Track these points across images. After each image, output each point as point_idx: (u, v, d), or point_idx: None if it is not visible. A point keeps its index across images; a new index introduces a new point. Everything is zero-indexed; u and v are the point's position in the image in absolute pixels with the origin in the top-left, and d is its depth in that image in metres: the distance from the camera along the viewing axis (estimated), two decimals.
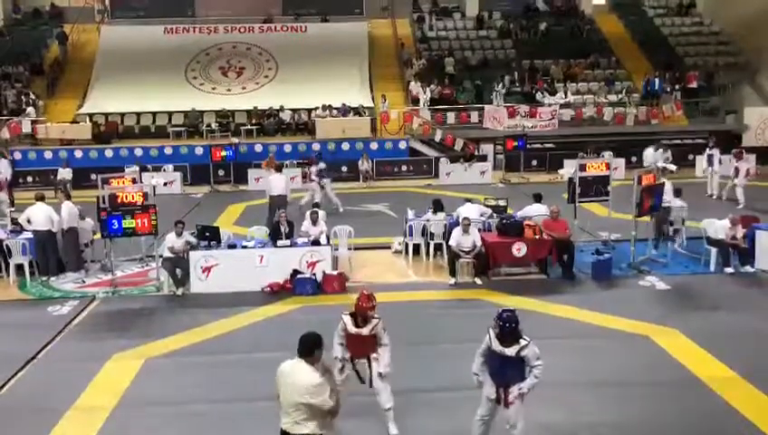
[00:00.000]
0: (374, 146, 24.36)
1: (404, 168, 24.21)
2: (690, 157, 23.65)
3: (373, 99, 27.40)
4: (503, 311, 6.60)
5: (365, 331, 7.11)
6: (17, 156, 23.83)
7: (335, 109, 25.69)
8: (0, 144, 23.87)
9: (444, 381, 8.48)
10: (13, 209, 17.20)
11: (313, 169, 18.38)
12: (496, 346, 6.50)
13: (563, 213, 13.20)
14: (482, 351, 6.68)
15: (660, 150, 21.75)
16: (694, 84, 27.50)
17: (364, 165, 23.20)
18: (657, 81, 27.13)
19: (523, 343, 6.44)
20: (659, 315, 10.53)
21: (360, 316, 7.12)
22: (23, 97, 26.54)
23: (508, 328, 6.44)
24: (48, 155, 23.94)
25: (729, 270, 12.52)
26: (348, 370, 7.25)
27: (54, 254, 13.08)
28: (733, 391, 8.12)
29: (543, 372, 6.49)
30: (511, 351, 6.44)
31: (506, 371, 6.50)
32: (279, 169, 18.12)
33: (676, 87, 27.31)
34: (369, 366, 7.21)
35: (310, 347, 5.46)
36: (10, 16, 32.06)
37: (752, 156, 21.10)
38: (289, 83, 27.95)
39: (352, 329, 7.12)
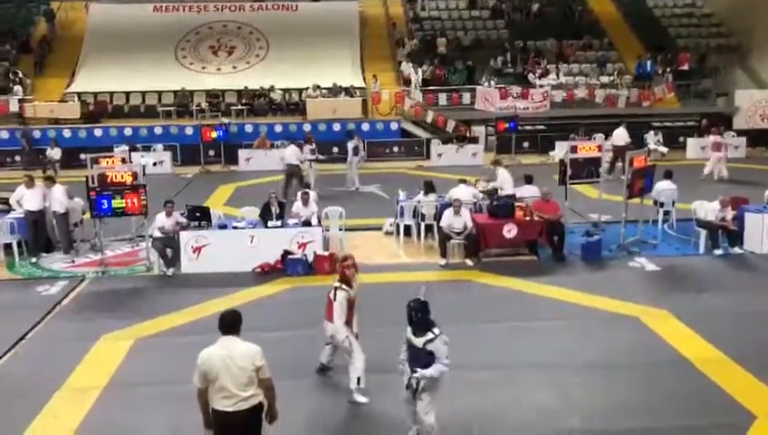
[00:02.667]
0: (365, 127, 24.24)
1: (395, 149, 24.13)
2: (681, 139, 23.70)
3: (364, 79, 27.24)
4: (412, 300, 6.43)
5: (353, 293, 7.55)
6: (4, 135, 23.61)
7: (325, 89, 25.52)
8: None
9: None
10: None
11: (349, 145, 18.86)
12: (409, 334, 6.41)
13: (554, 194, 13.21)
14: (404, 338, 6.53)
15: (651, 132, 21.83)
16: (686, 66, 27.48)
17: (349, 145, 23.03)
18: (648, 63, 27.11)
19: (430, 335, 6.28)
20: (649, 297, 10.59)
21: (349, 282, 7.53)
22: (9, 75, 26.22)
23: (415, 317, 6.34)
24: (36, 134, 23.69)
25: (718, 252, 12.59)
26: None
27: (44, 233, 13.00)
28: (720, 371, 8.19)
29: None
30: (419, 341, 6.32)
31: (416, 361, 6.34)
32: (294, 143, 18.45)
33: (668, 69, 27.29)
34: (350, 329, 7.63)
35: (234, 323, 5.60)
36: None
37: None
38: (280, 63, 27.74)
39: (352, 295, 7.50)
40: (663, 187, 14.13)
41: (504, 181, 14.27)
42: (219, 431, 5.57)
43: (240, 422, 5.49)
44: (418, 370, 6.28)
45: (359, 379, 7.49)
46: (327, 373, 8.14)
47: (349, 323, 7.60)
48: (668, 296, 10.64)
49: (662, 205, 14.16)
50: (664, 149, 21.20)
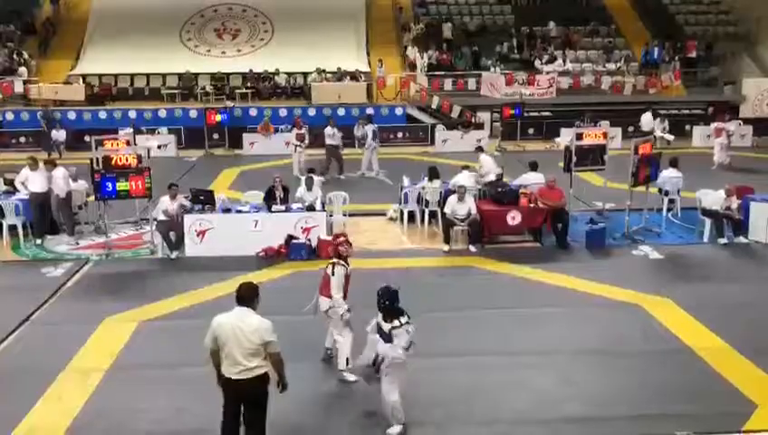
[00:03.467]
0: (370, 112, 24.13)
1: (400, 134, 24.02)
2: (687, 127, 23.58)
3: (369, 64, 27.12)
4: (381, 287, 6.61)
5: (349, 269, 7.78)
6: (9, 116, 23.61)
7: (330, 73, 25.40)
8: None
9: (433, 348, 8.51)
10: None
11: (368, 129, 18.79)
12: (380, 318, 6.59)
13: (559, 182, 13.17)
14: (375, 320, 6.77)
15: (658, 120, 21.72)
16: (693, 54, 27.30)
17: (360, 131, 23.00)
18: (656, 50, 26.93)
19: (396, 323, 6.42)
20: (652, 285, 10.58)
21: (345, 259, 7.73)
22: (14, 57, 26.17)
23: (382, 303, 6.52)
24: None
25: (723, 241, 12.56)
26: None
27: (48, 215, 13.03)
28: (722, 359, 8.20)
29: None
30: (386, 326, 6.50)
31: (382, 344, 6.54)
32: (331, 123, 19.04)
33: (676, 57, 27.10)
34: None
35: (250, 296, 5.83)
36: None
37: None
38: (284, 47, 27.61)
39: (348, 271, 7.73)
40: (668, 175, 14.08)
41: (487, 167, 14.22)
42: (226, 395, 5.88)
43: (244, 389, 5.75)
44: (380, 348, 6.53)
45: (347, 360, 7.60)
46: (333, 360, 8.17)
47: (344, 298, 7.74)
48: (671, 285, 10.63)
49: (667, 193, 14.11)
50: (670, 137, 21.12)
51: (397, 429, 6.74)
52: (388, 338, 6.50)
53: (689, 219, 13.67)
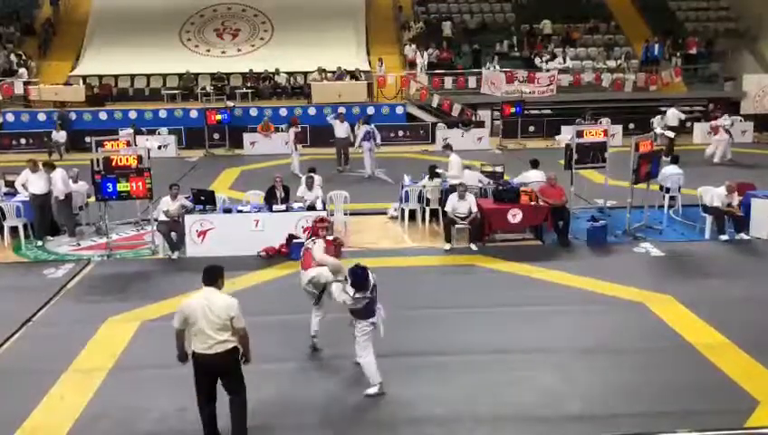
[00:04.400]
0: (371, 111, 24.12)
1: (401, 133, 24.04)
2: (688, 124, 23.55)
3: (370, 63, 27.12)
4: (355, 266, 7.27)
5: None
6: (9, 118, 23.63)
7: (330, 72, 25.41)
8: None
9: (435, 346, 8.55)
10: None
11: (361, 131, 18.74)
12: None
13: (560, 179, 13.17)
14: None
15: (659, 117, 21.72)
16: (693, 51, 27.27)
17: (360, 130, 22.99)
18: (656, 46, 26.89)
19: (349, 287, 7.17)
20: (653, 282, 10.58)
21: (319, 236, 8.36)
22: (14, 58, 26.19)
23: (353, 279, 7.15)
24: (41, 117, 23.71)
25: (724, 237, 12.55)
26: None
27: (49, 216, 13.04)
28: (724, 356, 8.19)
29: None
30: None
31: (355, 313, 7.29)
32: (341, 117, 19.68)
33: (676, 53, 27.07)
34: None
35: (215, 276, 6.40)
36: None
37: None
38: (284, 46, 27.62)
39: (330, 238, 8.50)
40: (669, 172, 14.07)
41: (454, 168, 13.82)
42: (198, 370, 6.34)
43: (216, 363, 6.24)
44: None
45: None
46: (319, 352, 8.28)
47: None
48: (673, 282, 10.63)
49: (668, 190, 14.10)
50: (671, 134, 21.09)
51: (373, 389, 7.29)
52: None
53: (690, 216, 13.67)
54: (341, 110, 20.52)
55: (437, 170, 13.86)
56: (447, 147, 14.72)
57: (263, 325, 9.06)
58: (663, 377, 7.79)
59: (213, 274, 6.41)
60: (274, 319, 9.08)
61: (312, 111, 23.86)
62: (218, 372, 6.34)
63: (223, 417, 6.53)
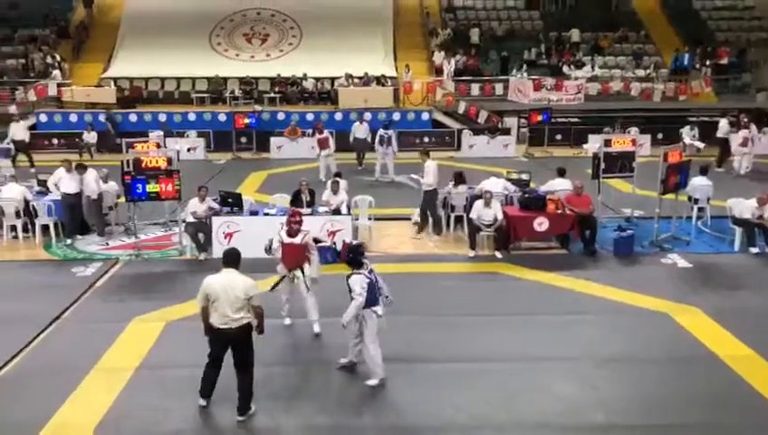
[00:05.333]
0: (396, 117, 24.18)
1: (426, 139, 24.02)
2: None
3: (396, 69, 27.18)
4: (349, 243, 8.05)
5: (297, 240, 8.82)
6: (43, 118, 24.08)
7: (357, 78, 25.52)
8: (27, 107, 24.20)
9: (458, 353, 8.53)
10: (33, 170, 17.47)
11: (380, 133, 18.89)
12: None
13: (587, 188, 13.08)
14: None
15: (688, 127, 21.47)
16: (725, 60, 26.92)
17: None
18: (686, 56, 26.60)
19: (351, 271, 7.58)
20: (680, 293, 10.45)
21: (292, 229, 8.85)
22: (48, 60, 26.70)
23: (346, 257, 7.69)
24: (73, 118, 24.12)
25: (754, 250, 12.35)
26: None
27: (80, 215, 13.27)
28: (750, 369, 8.07)
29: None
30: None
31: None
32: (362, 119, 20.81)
33: (707, 63, 26.75)
34: (303, 275, 8.93)
35: (235, 259, 7.02)
36: None
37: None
38: (312, 51, 27.79)
39: (287, 239, 8.88)
40: (698, 183, 13.90)
41: (430, 176, 13.52)
42: (214, 342, 7.03)
43: (231, 336, 6.90)
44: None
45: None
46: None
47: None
48: (700, 294, 10.49)
49: (697, 201, 13.93)
50: (700, 145, 20.85)
51: (374, 380, 7.59)
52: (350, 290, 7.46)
53: (719, 228, 13.48)
54: (367, 116, 20.63)
55: (413, 176, 13.87)
56: (425, 153, 14.56)
57: (287, 328, 9.16)
58: (688, 388, 7.71)
59: (232, 256, 7.03)
60: (300, 321, 9.16)
61: (338, 116, 23.98)
62: (231, 344, 6.96)
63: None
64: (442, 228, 13.55)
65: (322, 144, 18.49)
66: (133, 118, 24.14)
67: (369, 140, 19.75)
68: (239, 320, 6.82)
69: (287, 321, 9.25)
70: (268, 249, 9.05)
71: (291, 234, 8.94)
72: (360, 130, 20.10)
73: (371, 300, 7.51)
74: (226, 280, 6.83)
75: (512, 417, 7.17)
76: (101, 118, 23.29)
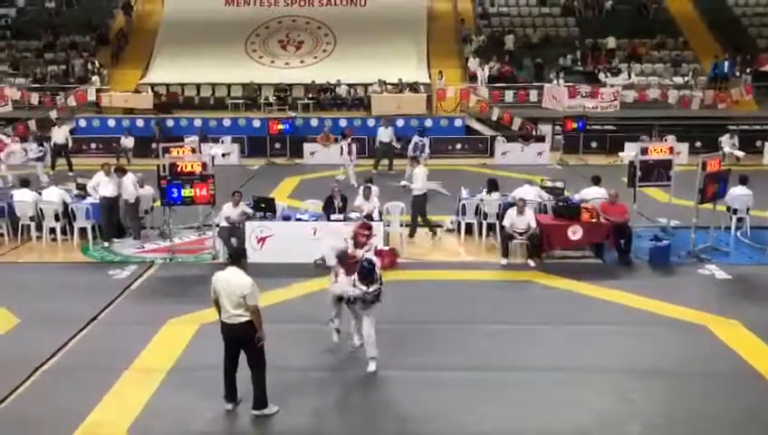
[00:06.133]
0: (429, 123, 24.15)
1: (459, 146, 23.94)
2: (758, 144, 22.74)
3: (430, 75, 27.15)
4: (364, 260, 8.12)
5: (359, 253, 8.58)
6: (82, 123, 24.59)
7: (390, 85, 25.55)
8: (67, 112, 24.74)
9: (489, 362, 8.45)
10: (71, 174, 17.83)
11: (414, 140, 18.89)
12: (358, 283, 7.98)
13: (622, 197, 12.89)
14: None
15: (727, 136, 21.06)
16: (766, 68, 26.34)
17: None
18: (726, 63, 26.08)
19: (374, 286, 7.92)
20: (719, 305, 10.22)
21: (359, 242, 8.78)
22: (88, 66, 27.29)
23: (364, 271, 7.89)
24: (111, 123, 24.56)
25: None
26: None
27: (117, 219, 13.49)
28: None
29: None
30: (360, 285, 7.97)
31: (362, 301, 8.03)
32: (387, 124, 20.87)
33: (747, 70, 26.21)
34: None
35: (238, 257, 7.38)
36: None
37: None
38: (346, 58, 27.91)
39: (353, 251, 8.73)
40: (737, 193, 13.60)
41: (419, 181, 13.69)
42: (223, 337, 7.25)
43: (233, 331, 7.11)
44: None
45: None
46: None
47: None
48: (740, 306, 10.24)
49: (735, 211, 13.63)
50: (740, 154, 20.41)
51: (373, 365, 8.01)
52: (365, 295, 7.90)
53: (760, 239, 13.17)
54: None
55: (402, 182, 13.83)
56: (414, 159, 15.06)
57: (318, 333, 9.15)
58: (726, 404, 7.52)
59: (236, 254, 7.50)
60: (327, 328, 9.15)
61: (371, 122, 24.04)
62: (238, 342, 7.14)
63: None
64: (435, 231, 13.71)
65: (349, 150, 18.65)
66: (170, 123, 24.48)
67: (393, 143, 20.01)
68: (238, 317, 7.03)
69: (335, 338, 8.84)
70: (321, 263, 8.98)
71: (358, 245, 8.80)
72: (384, 135, 20.26)
73: (377, 298, 8.04)
74: (227, 277, 7.11)
75: (543, 428, 7.07)
76: (152, 123, 23.65)
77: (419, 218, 13.55)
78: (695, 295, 10.66)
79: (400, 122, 23.65)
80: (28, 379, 8.05)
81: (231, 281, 7.05)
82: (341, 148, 19.03)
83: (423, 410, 7.37)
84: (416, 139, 18.89)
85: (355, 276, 8.01)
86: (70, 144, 21.01)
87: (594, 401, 7.54)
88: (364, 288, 7.91)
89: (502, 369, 8.25)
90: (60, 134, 20.89)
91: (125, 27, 30.42)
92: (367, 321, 8.07)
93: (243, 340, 7.13)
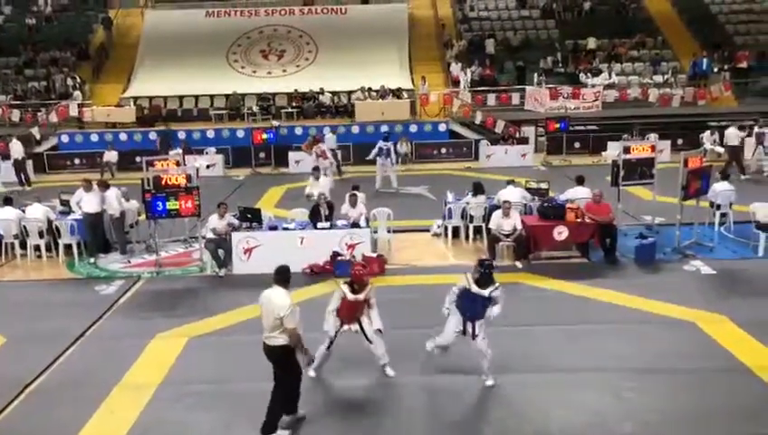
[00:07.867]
0: (413, 128, 24.23)
1: (444, 150, 24.05)
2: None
3: (413, 81, 27.26)
4: (483, 259, 8.11)
5: (361, 296, 7.97)
6: (64, 139, 24.45)
7: (374, 91, 25.62)
8: (49, 127, 24.60)
9: (477, 364, 8.45)
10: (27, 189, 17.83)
11: (378, 145, 19.10)
12: (475, 289, 7.76)
13: (606, 196, 12.98)
14: (456, 292, 7.98)
15: (708, 132, 21.28)
16: (744, 64, 26.66)
17: (403, 148, 23.11)
18: (705, 61, 26.36)
19: (492, 287, 7.80)
20: (705, 301, 10.31)
21: (358, 283, 7.98)
22: (69, 81, 27.14)
23: (482, 272, 7.80)
24: (94, 138, 24.48)
25: None
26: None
27: (101, 234, 13.40)
28: None
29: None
30: (486, 291, 7.77)
31: (477, 308, 7.83)
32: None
33: (725, 67, 26.51)
34: (362, 328, 8.07)
35: (279, 277, 6.94)
36: (58, 2, 32.72)
37: None
38: (329, 66, 27.99)
39: (351, 296, 7.94)
40: (720, 188, 13.75)
41: (321, 187, 14.46)
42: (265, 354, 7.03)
43: (270, 351, 6.92)
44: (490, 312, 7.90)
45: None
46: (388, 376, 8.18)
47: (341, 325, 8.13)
48: (726, 301, 10.33)
49: (719, 207, 13.77)
50: (721, 150, 20.62)
51: (492, 380, 7.84)
52: (486, 300, 7.76)
53: (742, 233, 13.30)
54: (312, 131, 22.12)
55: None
56: (316, 169, 16.08)
57: (308, 342, 9.12)
58: (716, 399, 7.58)
59: (277, 274, 6.99)
60: (321, 336, 9.12)
61: (355, 129, 24.07)
62: (271, 360, 6.99)
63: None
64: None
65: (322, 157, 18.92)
66: (153, 136, 24.35)
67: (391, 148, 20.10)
68: (272, 338, 6.82)
69: (311, 373, 8.09)
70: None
71: (355, 290, 8.03)
72: (331, 141, 21.16)
73: None
74: (269, 295, 6.89)
75: (538, 428, 7.09)
76: (156, 135, 23.46)
77: None
78: (682, 292, 10.73)
79: (385, 128, 23.68)
80: (17, 397, 7.98)
81: (271, 302, 6.82)
82: (315, 153, 19.02)
83: (415, 416, 7.37)
84: (380, 143, 18.97)
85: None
86: (23, 158, 20.79)
87: (586, 401, 7.58)
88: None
89: (494, 371, 8.25)
90: (17, 148, 20.68)
91: (105, 42, 30.33)
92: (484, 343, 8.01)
93: (273, 359, 6.97)
